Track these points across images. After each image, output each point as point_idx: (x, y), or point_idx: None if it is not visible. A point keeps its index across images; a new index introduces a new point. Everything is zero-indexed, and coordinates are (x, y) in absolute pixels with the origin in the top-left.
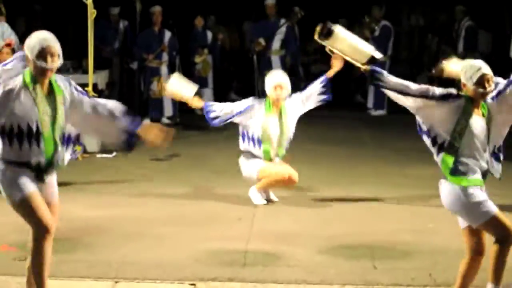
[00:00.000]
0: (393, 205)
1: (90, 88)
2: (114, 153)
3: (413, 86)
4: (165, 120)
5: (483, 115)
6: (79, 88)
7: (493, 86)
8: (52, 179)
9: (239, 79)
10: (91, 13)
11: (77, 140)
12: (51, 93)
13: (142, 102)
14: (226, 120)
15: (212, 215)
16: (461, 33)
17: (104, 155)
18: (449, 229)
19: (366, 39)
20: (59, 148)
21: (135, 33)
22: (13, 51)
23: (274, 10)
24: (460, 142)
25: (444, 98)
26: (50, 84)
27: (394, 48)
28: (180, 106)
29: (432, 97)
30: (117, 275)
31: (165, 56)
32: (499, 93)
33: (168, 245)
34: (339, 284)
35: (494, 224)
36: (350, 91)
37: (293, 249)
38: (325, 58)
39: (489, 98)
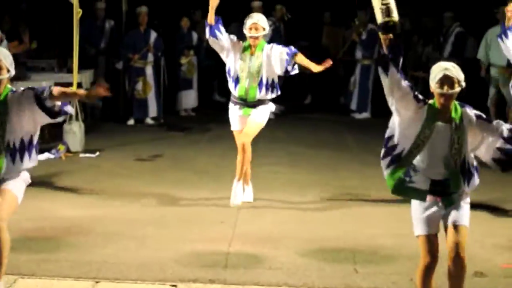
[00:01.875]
0: (376, 209)
1: (74, 88)
2: (98, 153)
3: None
4: (149, 120)
5: (451, 121)
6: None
7: (456, 90)
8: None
9: (221, 80)
10: (77, 12)
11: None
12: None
13: (126, 102)
14: (220, 38)
15: (195, 217)
16: (450, 38)
17: (87, 155)
18: None
19: (354, 42)
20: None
21: (121, 33)
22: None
23: (260, 11)
24: (418, 151)
25: (416, 97)
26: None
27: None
28: (165, 107)
29: (413, 93)
30: (98, 275)
31: (150, 57)
32: (481, 117)
33: (150, 245)
34: None
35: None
36: (334, 93)
37: (275, 252)
38: (313, 57)
39: (469, 110)
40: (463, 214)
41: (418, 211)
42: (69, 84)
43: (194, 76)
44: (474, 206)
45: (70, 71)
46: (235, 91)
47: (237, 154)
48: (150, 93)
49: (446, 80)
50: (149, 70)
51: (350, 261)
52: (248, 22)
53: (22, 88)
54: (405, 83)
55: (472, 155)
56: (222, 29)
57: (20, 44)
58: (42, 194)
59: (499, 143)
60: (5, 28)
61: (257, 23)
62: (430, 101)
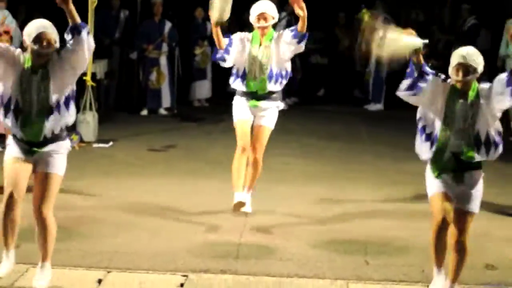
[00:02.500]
0: (388, 201)
1: (88, 77)
2: (111, 143)
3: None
4: (162, 111)
5: (469, 98)
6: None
7: (470, 77)
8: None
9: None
10: (92, 2)
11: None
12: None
13: (140, 92)
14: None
15: (207, 207)
16: (465, 30)
17: (101, 145)
18: None
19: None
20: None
21: (136, 23)
22: (11, 39)
23: (276, 2)
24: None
25: (437, 74)
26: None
27: None
28: (178, 97)
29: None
30: (109, 264)
31: (164, 47)
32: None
33: (162, 236)
34: (331, 279)
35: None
36: (348, 86)
37: (286, 243)
38: (325, 49)
39: (484, 86)
40: (473, 199)
41: (431, 174)
42: (83, 74)
43: (208, 66)
44: (482, 199)
45: None
46: (243, 86)
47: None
48: (164, 83)
49: (461, 68)
50: (163, 60)
51: (361, 253)
52: (256, 11)
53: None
54: (431, 77)
55: (492, 128)
56: (230, 47)
57: None
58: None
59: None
60: (20, 18)
61: (266, 12)
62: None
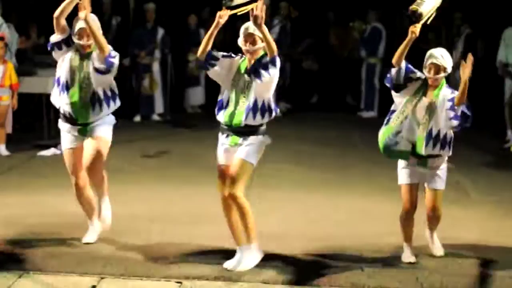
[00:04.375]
0: (382, 207)
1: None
2: None
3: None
4: (155, 117)
5: (431, 97)
6: None
7: (440, 75)
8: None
9: None
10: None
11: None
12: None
13: (133, 99)
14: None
15: (200, 213)
16: (459, 40)
17: None
18: (437, 233)
19: (355, 40)
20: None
21: (128, 29)
22: (6, 45)
23: (268, 10)
24: (404, 117)
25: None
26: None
27: (388, 51)
28: (172, 104)
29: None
30: (103, 271)
31: (157, 53)
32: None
33: (155, 242)
34: (325, 286)
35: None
36: (341, 92)
37: (281, 250)
38: (316, 55)
39: (446, 91)
40: (438, 178)
41: (401, 165)
42: None
43: (201, 73)
44: (485, 204)
45: None
46: (222, 117)
47: None
48: (157, 90)
49: (433, 67)
50: (156, 67)
51: (356, 260)
52: (243, 32)
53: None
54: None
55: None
56: (216, 55)
57: (28, 39)
58: (47, 190)
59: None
60: (13, 23)
61: (254, 33)
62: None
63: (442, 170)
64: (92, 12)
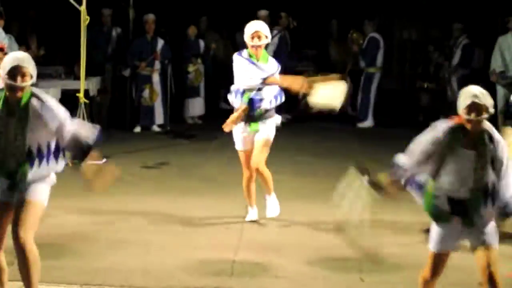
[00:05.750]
0: (382, 217)
1: (81, 94)
2: (104, 160)
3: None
4: (155, 128)
5: (476, 148)
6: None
7: (484, 116)
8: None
9: (227, 87)
10: (84, 19)
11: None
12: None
13: (133, 110)
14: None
15: (200, 224)
16: (457, 50)
17: (94, 162)
18: None
19: (355, 53)
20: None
21: (128, 40)
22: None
23: (267, 21)
24: (441, 171)
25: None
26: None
27: (386, 62)
28: (171, 115)
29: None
30: (103, 281)
31: (157, 64)
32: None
33: (155, 253)
34: None
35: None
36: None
37: (281, 260)
38: (317, 67)
39: (496, 138)
40: (491, 234)
41: (437, 226)
42: (76, 91)
43: (201, 84)
44: None
45: (77, 78)
46: (241, 102)
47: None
48: (157, 101)
49: (474, 107)
50: (155, 78)
51: (355, 270)
52: (250, 30)
53: (47, 99)
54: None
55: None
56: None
57: (28, 50)
58: (50, 200)
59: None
60: (13, 34)
61: (260, 30)
62: (453, 124)
63: (492, 225)
64: (92, 23)
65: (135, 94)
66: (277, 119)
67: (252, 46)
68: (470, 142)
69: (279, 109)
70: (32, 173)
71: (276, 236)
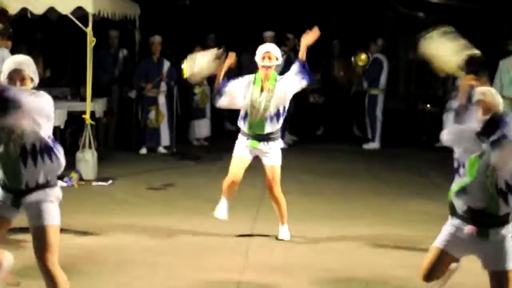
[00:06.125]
0: (388, 239)
1: (87, 116)
2: (110, 181)
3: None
4: (161, 149)
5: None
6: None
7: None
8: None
9: (231, 110)
10: (91, 40)
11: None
12: None
13: (139, 131)
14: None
15: (206, 245)
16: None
17: (100, 183)
18: None
19: (360, 74)
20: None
21: (134, 62)
22: None
23: (273, 41)
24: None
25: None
26: None
27: (392, 83)
28: (177, 136)
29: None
30: None
31: (163, 86)
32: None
33: (162, 274)
34: None
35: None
36: (347, 124)
37: (287, 281)
38: (322, 88)
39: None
40: (503, 255)
41: (449, 228)
42: (82, 113)
43: (207, 105)
44: None
45: (83, 99)
46: (244, 127)
47: (248, 186)
48: (163, 122)
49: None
50: (161, 99)
51: None
52: (261, 51)
53: (43, 97)
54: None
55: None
56: (228, 86)
57: None
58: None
59: None
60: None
61: (271, 52)
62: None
63: (507, 242)
64: (99, 45)
65: (141, 116)
66: (280, 144)
67: (263, 67)
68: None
69: (283, 131)
70: (29, 173)
71: (283, 257)
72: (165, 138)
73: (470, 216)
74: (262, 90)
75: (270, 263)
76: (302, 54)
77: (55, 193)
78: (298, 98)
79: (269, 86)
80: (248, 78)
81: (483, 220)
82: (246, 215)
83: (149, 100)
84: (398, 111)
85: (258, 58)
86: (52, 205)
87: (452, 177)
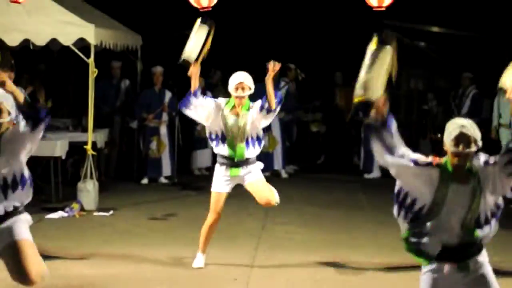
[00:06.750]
0: (388, 268)
1: (89, 146)
2: (111, 211)
3: (400, 149)
4: (163, 179)
5: (467, 182)
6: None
7: (472, 149)
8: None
9: None
10: (93, 71)
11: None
12: None
13: (141, 161)
14: (195, 105)
15: (208, 275)
16: (466, 100)
17: (101, 213)
18: None
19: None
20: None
21: (136, 92)
22: None
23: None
24: (436, 213)
25: (416, 163)
26: None
27: (393, 111)
28: (179, 166)
29: (412, 162)
30: None
31: (165, 116)
32: (495, 162)
33: None
34: None
35: None
36: (348, 153)
37: None
38: (323, 117)
39: (482, 162)
40: (487, 284)
41: (427, 277)
42: (84, 143)
43: None
44: None
45: (85, 130)
46: (222, 150)
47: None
48: (164, 152)
49: (462, 138)
50: (163, 130)
51: None
52: (234, 81)
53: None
54: (397, 155)
55: (489, 204)
56: (198, 100)
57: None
58: (55, 252)
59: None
60: (22, 87)
61: (243, 82)
62: (441, 161)
63: (489, 271)
64: (102, 76)
65: (143, 146)
66: (260, 165)
67: (236, 97)
68: (460, 177)
69: (283, 162)
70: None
71: (284, 287)
72: (166, 168)
73: (447, 254)
74: (236, 115)
75: None
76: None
77: (27, 217)
78: (300, 128)
79: (242, 113)
80: (220, 101)
81: (461, 253)
82: (247, 244)
83: (150, 131)
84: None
85: (231, 88)
86: (23, 224)
87: None
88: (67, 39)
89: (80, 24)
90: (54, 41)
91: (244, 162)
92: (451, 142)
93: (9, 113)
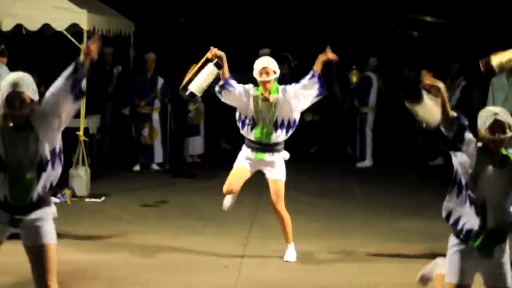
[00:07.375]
0: (379, 257)
1: (81, 132)
2: (103, 198)
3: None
4: (155, 166)
5: (503, 166)
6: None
7: (508, 135)
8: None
9: (228, 127)
10: None
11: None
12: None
13: (133, 148)
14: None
15: (199, 263)
16: (456, 91)
17: (93, 200)
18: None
19: (349, 90)
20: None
21: (128, 79)
22: None
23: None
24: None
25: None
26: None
27: (386, 102)
28: (171, 153)
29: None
30: None
31: (157, 103)
32: None
33: None
34: None
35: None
36: (341, 143)
37: None
38: (319, 108)
39: None
40: (505, 274)
41: (455, 257)
42: (76, 129)
43: (201, 123)
44: None
45: (77, 116)
46: (251, 135)
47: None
48: (156, 139)
49: (497, 125)
50: (155, 116)
51: None
52: (258, 66)
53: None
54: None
55: None
56: (232, 84)
57: None
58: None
59: None
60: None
61: (267, 66)
62: (479, 144)
63: (507, 262)
64: (94, 62)
65: (135, 133)
66: (285, 155)
67: (261, 82)
68: (495, 161)
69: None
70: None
71: (275, 276)
72: (158, 155)
73: (481, 237)
74: (265, 100)
75: (263, 280)
76: (318, 67)
77: (53, 209)
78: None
79: (272, 97)
80: (251, 86)
81: (496, 239)
82: (239, 232)
83: (143, 117)
84: (392, 130)
85: (256, 73)
86: (50, 223)
87: (444, 195)
88: (60, 25)
89: (73, 9)
90: (46, 26)
91: (271, 146)
92: (487, 130)
93: (32, 101)
